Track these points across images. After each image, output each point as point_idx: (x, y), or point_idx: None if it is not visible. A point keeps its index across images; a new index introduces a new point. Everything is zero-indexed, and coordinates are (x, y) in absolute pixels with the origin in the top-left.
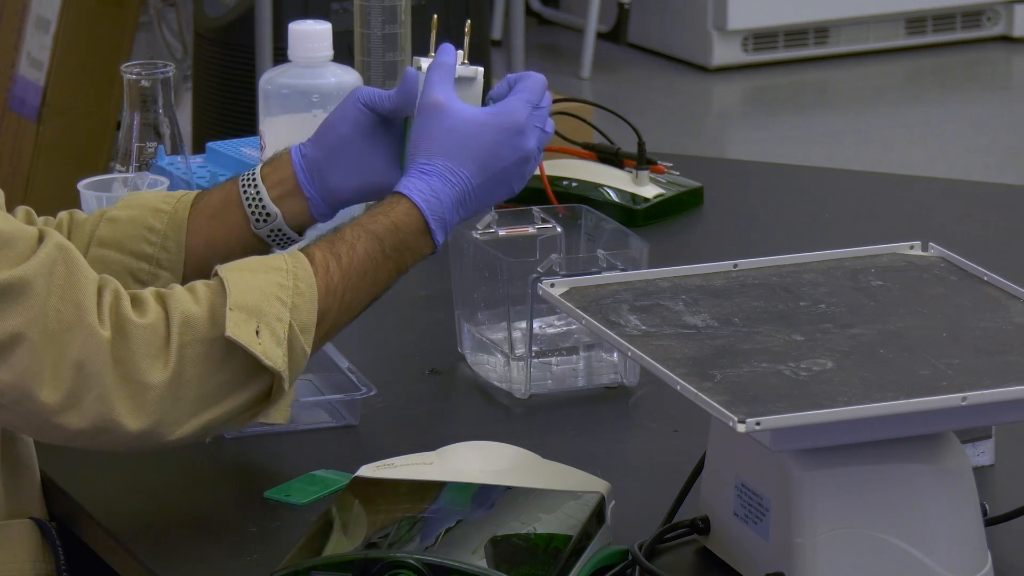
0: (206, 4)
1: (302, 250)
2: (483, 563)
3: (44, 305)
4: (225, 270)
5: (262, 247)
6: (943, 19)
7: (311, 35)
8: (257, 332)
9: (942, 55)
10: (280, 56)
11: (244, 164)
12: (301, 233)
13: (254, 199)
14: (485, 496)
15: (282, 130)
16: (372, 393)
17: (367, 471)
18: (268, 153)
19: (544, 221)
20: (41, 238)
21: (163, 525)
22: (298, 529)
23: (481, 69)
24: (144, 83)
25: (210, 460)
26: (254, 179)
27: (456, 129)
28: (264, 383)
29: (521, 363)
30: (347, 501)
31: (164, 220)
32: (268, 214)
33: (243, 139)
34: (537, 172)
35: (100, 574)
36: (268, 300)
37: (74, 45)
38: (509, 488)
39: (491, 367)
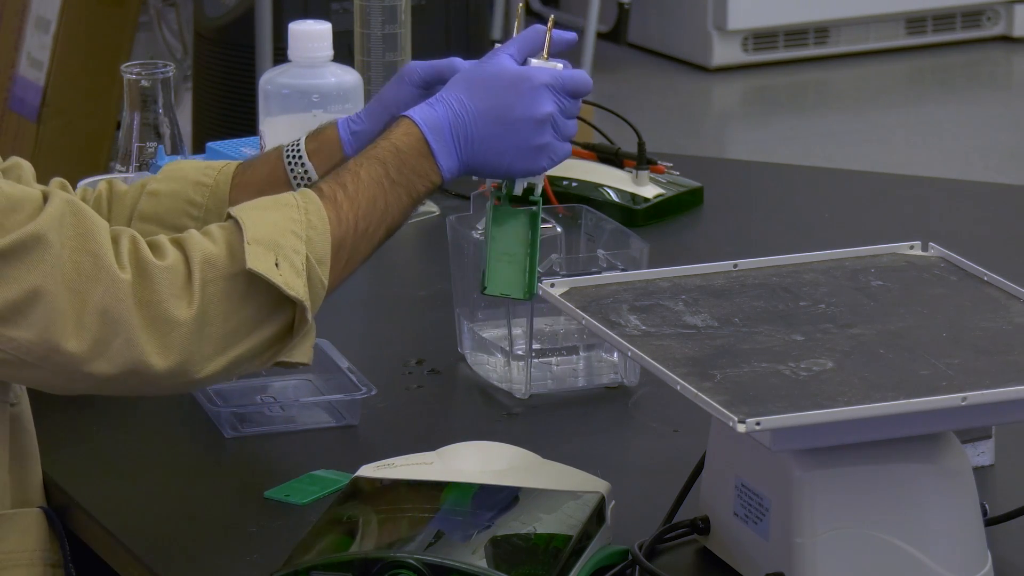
0: (206, 4)
1: (309, 186)
2: (483, 563)
3: (59, 258)
4: (238, 210)
5: None
6: (943, 19)
7: (311, 35)
8: (276, 264)
9: (942, 55)
10: (280, 56)
11: None
12: None
13: (302, 178)
14: (485, 496)
15: (282, 130)
16: (372, 393)
17: (367, 471)
18: None
19: (544, 221)
20: (46, 198)
21: (163, 525)
22: (298, 529)
23: (560, 65)
24: (144, 83)
25: (210, 460)
26: (300, 157)
27: (481, 70)
28: (286, 316)
29: (521, 363)
30: (347, 501)
31: (206, 194)
32: None
33: (243, 139)
34: None
35: (96, 568)
36: (283, 234)
37: (74, 45)
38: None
39: (491, 367)
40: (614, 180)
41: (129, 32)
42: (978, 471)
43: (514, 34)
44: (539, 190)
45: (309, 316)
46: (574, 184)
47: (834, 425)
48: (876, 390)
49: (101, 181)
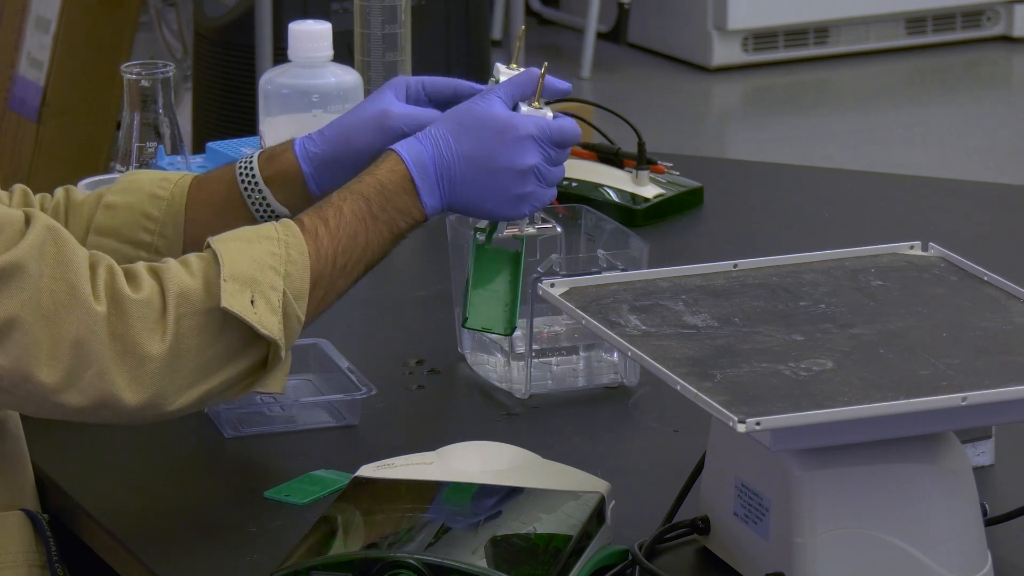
0: (206, 4)
1: (292, 217)
2: (483, 563)
3: (37, 286)
4: (217, 241)
5: None
6: (943, 19)
7: (311, 35)
8: (252, 302)
9: (942, 55)
10: (280, 56)
11: None
12: None
13: (260, 203)
14: (485, 496)
15: (282, 130)
16: (372, 393)
17: (367, 471)
18: None
19: (544, 221)
20: (27, 220)
21: (163, 524)
22: (298, 529)
23: (551, 113)
24: (144, 83)
25: (210, 460)
26: (256, 183)
27: (470, 113)
28: (260, 352)
29: (521, 363)
30: (347, 501)
31: (162, 207)
32: (278, 216)
33: (243, 139)
34: None
35: (96, 568)
36: (261, 269)
37: (74, 45)
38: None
39: (491, 367)
40: (614, 180)
41: (129, 32)
42: (978, 471)
43: (514, 57)
44: (525, 230)
45: (282, 353)
46: (574, 184)
47: (834, 425)
48: (876, 390)
49: (59, 190)
